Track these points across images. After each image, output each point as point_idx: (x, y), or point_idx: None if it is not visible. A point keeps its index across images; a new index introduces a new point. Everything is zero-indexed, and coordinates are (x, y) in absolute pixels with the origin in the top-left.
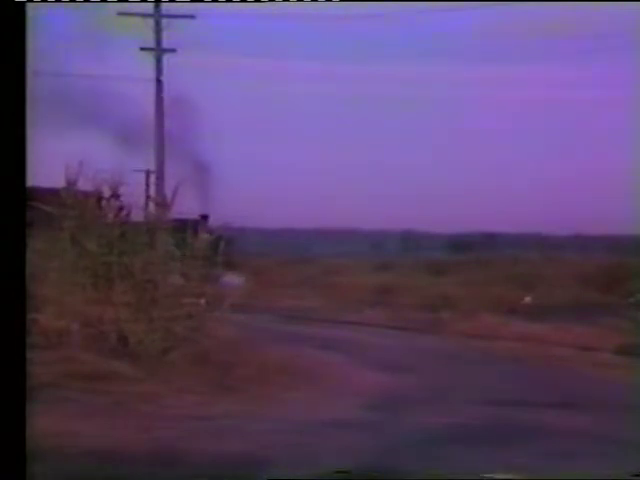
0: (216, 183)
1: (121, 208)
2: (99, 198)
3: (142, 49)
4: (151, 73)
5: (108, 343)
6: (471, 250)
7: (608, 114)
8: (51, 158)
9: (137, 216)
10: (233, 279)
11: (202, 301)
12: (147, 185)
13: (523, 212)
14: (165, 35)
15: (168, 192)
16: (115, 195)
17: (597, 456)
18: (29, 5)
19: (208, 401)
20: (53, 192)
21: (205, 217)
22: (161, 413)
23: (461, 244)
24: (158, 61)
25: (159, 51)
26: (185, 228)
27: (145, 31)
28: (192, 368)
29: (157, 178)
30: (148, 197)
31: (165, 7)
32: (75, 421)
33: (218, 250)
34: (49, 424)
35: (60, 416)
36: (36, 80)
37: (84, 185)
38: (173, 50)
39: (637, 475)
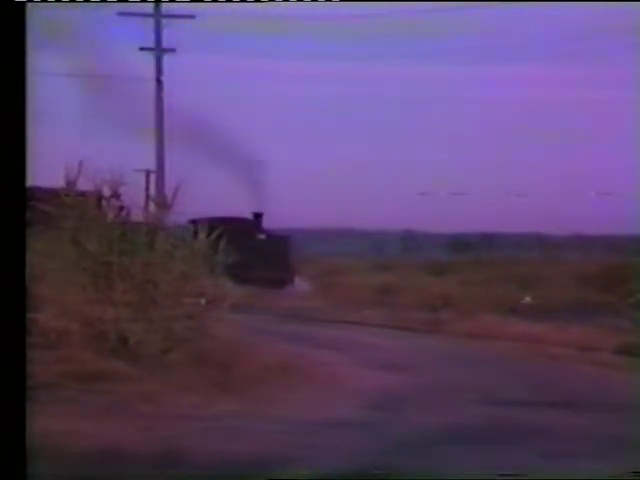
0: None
1: (121, 208)
2: (99, 198)
3: (142, 49)
4: None
5: (108, 343)
6: (471, 250)
7: (608, 114)
8: (51, 158)
9: (137, 216)
10: (299, 284)
11: (202, 301)
12: (147, 185)
13: (523, 212)
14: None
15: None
16: (115, 195)
17: (596, 455)
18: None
19: (208, 401)
20: (53, 192)
21: (259, 215)
22: (161, 413)
23: (461, 244)
24: (158, 61)
25: (159, 51)
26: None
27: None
28: (192, 368)
29: (157, 178)
30: (148, 197)
31: (165, 7)
32: (75, 421)
33: (218, 249)
34: (49, 424)
35: (60, 416)
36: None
37: (84, 185)
38: (173, 50)
39: (637, 473)
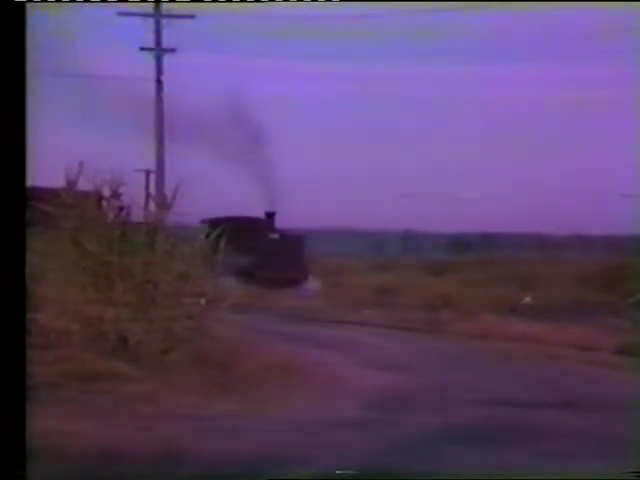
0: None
1: (121, 208)
2: (99, 198)
3: (142, 49)
4: None
5: (108, 343)
6: (471, 250)
7: (608, 114)
8: (51, 158)
9: (137, 216)
10: (311, 284)
11: (202, 301)
12: (147, 185)
13: (523, 212)
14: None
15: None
16: (115, 195)
17: (596, 455)
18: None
19: (208, 401)
20: (53, 192)
21: (271, 215)
22: (161, 413)
23: (461, 244)
24: (158, 61)
25: (159, 51)
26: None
27: None
28: (192, 368)
29: (157, 178)
30: (148, 197)
31: (165, 7)
32: (75, 421)
33: (218, 249)
34: (49, 424)
35: (60, 416)
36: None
37: (84, 185)
38: (173, 50)
39: (637, 473)
